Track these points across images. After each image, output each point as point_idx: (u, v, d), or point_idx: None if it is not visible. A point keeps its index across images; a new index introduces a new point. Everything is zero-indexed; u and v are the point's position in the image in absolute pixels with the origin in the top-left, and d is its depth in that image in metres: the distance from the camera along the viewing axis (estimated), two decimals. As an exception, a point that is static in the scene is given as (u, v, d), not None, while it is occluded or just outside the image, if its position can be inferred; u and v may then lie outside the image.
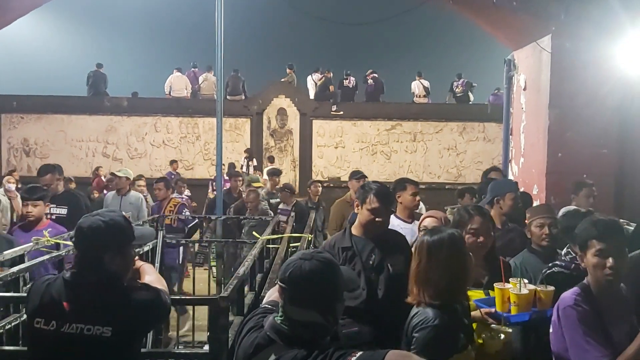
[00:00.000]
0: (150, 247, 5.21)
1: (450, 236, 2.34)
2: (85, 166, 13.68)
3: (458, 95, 15.22)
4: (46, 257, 3.49)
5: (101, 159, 14.16)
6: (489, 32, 8.37)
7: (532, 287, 2.63)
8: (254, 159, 13.55)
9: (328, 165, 14.55)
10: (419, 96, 15.17)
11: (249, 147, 14.24)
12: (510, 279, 2.66)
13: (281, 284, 1.74)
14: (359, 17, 15.55)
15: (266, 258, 4.37)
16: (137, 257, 2.50)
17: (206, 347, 2.73)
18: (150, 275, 2.32)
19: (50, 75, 19.06)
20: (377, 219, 2.99)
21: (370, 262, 2.94)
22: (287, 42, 20.88)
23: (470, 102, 15.19)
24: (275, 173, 8.39)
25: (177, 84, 14.88)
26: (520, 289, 2.56)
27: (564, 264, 2.84)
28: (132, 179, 6.63)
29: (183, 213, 6.43)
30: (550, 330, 2.40)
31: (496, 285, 2.60)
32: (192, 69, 15.63)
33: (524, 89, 7.43)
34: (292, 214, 6.23)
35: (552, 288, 2.61)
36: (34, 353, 2.16)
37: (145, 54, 21.64)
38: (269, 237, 4.39)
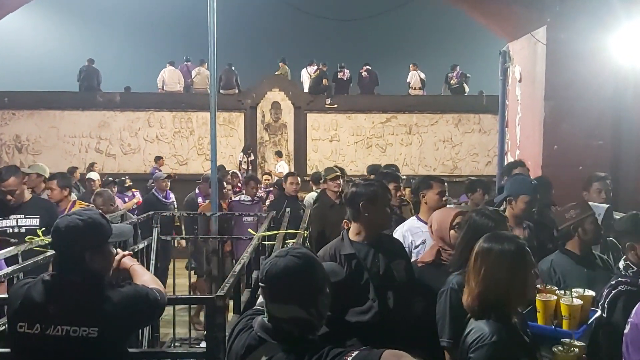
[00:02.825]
0: (145, 244, 5.20)
1: (520, 245, 2.09)
2: (78, 162, 13.57)
3: (453, 86, 15.17)
4: (40, 257, 3.45)
5: (94, 154, 14.08)
6: (483, 24, 8.34)
7: (575, 293, 2.49)
8: (251, 154, 13.49)
9: (323, 158, 14.50)
10: (414, 87, 15.13)
11: (243, 142, 14.19)
12: (538, 286, 2.50)
13: (261, 284, 1.75)
14: (354, 11, 15.45)
15: (262, 255, 4.35)
16: (130, 255, 2.46)
17: (203, 344, 2.71)
18: (144, 276, 2.29)
19: (41, 70, 18.88)
20: (391, 211, 2.86)
21: (376, 270, 2.64)
22: (280, 36, 20.75)
23: (466, 94, 15.17)
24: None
25: (170, 78, 14.77)
26: (572, 299, 2.40)
27: (629, 279, 2.55)
28: (47, 176, 5.55)
29: None
30: (626, 329, 2.19)
31: (538, 297, 2.43)
32: (185, 63, 15.54)
33: (519, 81, 7.41)
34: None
35: (591, 293, 2.49)
36: (18, 358, 2.12)
37: (138, 48, 21.45)
38: (264, 233, 4.37)
